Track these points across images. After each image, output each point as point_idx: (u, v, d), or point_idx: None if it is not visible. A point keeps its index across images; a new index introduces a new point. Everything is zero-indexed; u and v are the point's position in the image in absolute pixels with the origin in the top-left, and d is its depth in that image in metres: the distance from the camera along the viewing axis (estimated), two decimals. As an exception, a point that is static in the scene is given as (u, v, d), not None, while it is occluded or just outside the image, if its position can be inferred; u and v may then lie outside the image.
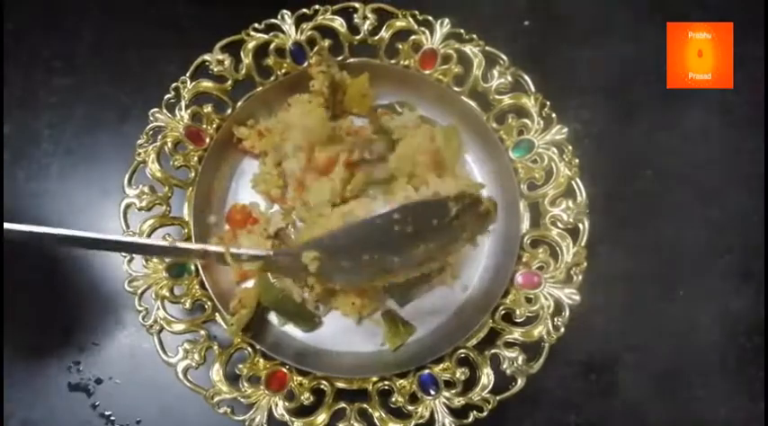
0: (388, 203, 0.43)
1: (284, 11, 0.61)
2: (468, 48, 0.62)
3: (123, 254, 0.54)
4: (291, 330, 0.59)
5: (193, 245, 0.52)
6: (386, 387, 0.54)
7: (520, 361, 0.53)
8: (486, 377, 0.53)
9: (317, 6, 0.62)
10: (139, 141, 0.57)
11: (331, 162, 0.56)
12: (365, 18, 0.62)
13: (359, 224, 0.44)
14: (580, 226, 0.57)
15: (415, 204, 0.42)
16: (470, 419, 0.51)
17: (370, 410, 0.52)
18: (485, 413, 0.52)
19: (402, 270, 0.48)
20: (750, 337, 0.62)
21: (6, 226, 0.40)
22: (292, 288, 0.57)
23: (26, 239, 0.42)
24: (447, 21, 0.62)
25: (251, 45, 0.60)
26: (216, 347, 0.53)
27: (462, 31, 0.62)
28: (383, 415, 0.52)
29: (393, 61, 0.63)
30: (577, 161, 0.59)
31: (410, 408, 0.52)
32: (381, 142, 0.58)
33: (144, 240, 0.51)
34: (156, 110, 0.58)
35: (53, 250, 0.61)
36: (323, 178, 0.56)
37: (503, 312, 0.56)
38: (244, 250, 0.49)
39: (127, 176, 0.56)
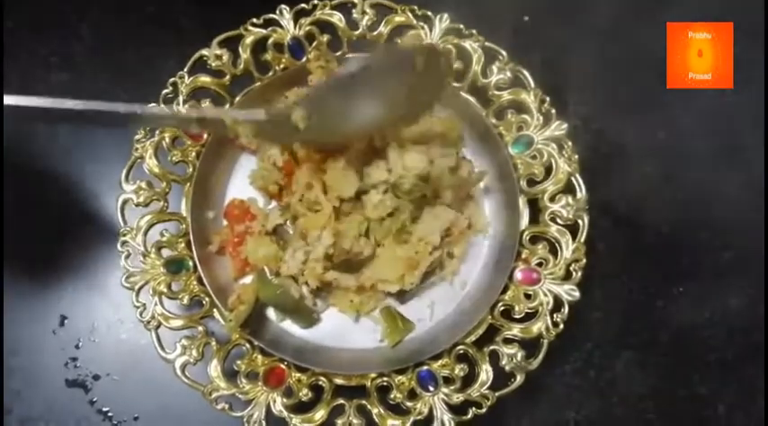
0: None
1: (283, 6, 0.61)
2: (467, 44, 0.62)
3: (120, 250, 0.54)
4: (290, 326, 0.58)
5: (191, 111, 0.52)
6: (384, 384, 0.54)
7: (519, 358, 0.53)
8: (485, 373, 0.53)
9: (315, 1, 0.61)
10: (137, 136, 0.57)
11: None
12: (364, 13, 0.61)
13: (341, 77, 0.47)
14: (579, 222, 0.57)
15: (385, 55, 0.48)
16: (469, 415, 0.51)
17: (368, 406, 0.52)
18: (484, 410, 0.52)
19: (382, 118, 0.51)
20: (749, 335, 0.62)
21: None
22: (290, 284, 0.57)
23: None
24: (446, 16, 0.62)
25: (249, 40, 0.60)
26: (214, 343, 0.53)
27: (462, 26, 0.62)
28: (382, 411, 0.52)
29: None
30: (577, 157, 0.59)
31: (409, 404, 0.52)
32: None
33: (135, 107, 0.46)
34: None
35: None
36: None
37: (502, 308, 0.56)
38: (238, 112, 0.50)
39: (124, 172, 0.56)
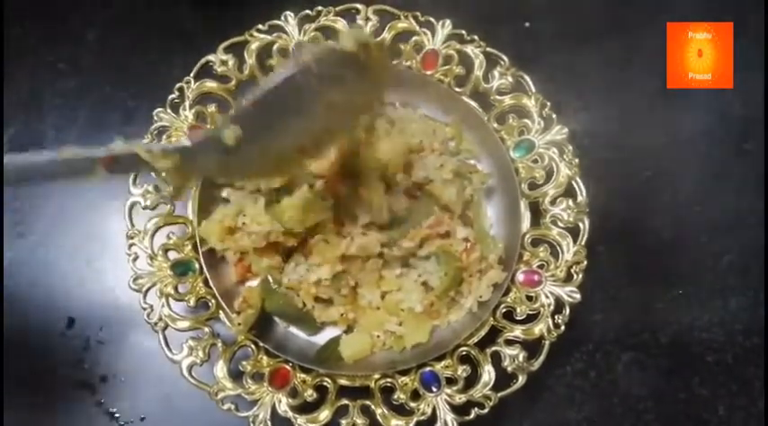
0: None
1: (287, 12, 0.62)
2: (469, 49, 0.62)
3: (128, 253, 0.55)
4: (295, 330, 0.59)
5: (95, 151, 0.40)
6: (388, 384, 0.54)
7: (521, 359, 0.53)
8: (488, 374, 0.53)
9: (320, 8, 0.62)
10: (144, 141, 0.58)
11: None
12: (367, 19, 0.62)
13: (275, 86, 0.41)
14: (580, 225, 0.57)
15: (321, 56, 0.41)
16: (472, 416, 0.52)
17: (372, 407, 0.52)
18: (486, 410, 0.52)
19: (317, 134, 0.46)
20: (749, 336, 0.63)
21: None
22: (294, 294, 0.58)
23: None
24: (448, 22, 0.63)
25: (254, 46, 0.61)
26: (220, 344, 0.54)
27: (464, 32, 0.63)
28: (385, 412, 0.52)
29: (395, 62, 0.64)
30: (578, 161, 0.59)
31: (412, 405, 0.52)
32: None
33: (36, 156, 0.39)
34: (160, 110, 0.59)
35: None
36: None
37: (504, 310, 0.56)
38: (156, 144, 0.45)
39: (132, 176, 0.57)
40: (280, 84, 0.41)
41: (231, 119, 0.42)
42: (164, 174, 0.45)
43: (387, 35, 0.62)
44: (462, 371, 0.54)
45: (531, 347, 0.54)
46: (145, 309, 0.53)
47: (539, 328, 0.54)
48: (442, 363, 0.55)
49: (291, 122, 0.43)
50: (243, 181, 0.53)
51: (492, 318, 0.56)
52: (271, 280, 0.58)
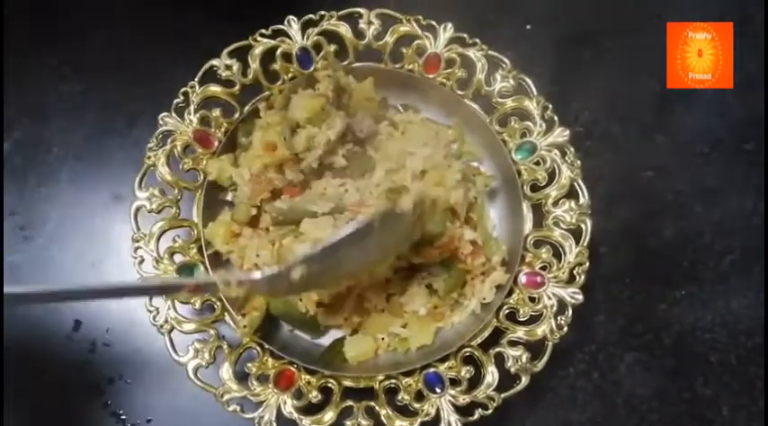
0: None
1: (291, 16, 0.63)
2: (471, 53, 0.63)
3: (134, 256, 0.55)
4: (299, 332, 0.60)
5: (183, 280, 0.54)
6: (392, 386, 0.54)
7: (524, 360, 0.54)
8: (491, 375, 0.53)
9: (322, 12, 0.63)
10: (149, 145, 0.58)
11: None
12: (370, 23, 0.63)
13: (341, 238, 0.48)
14: (582, 226, 0.58)
15: (384, 213, 0.50)
16: (475, 416, 0.52)
17: (377, 408, 0.53)
18: (490, 411, 0.52)
19: (373, 265, 0.55)
20: (750, 336, 0.63)
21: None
22: (296, 300, 0.58)
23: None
24: (450, 25, 0.63)
25: (258, 50, 0.61)
26: (225, 346, 0.54)
27: (465, 35, 0.63)
28: (390, 413, 0.52)
29: (398, 65, 0.64)
30: (579, 162, 0.60)
31: (416, 406, 0.53)
32: (369, 119, 0.60)
33: (129, 283, 0.51)
34: (165, 114, 0.59)
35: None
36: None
37: (507, 311, 0.57)
38: (233, 276, 0.50)
39: (137, 179, 0.57)
40: (345, 237, 0.48)
41: (300, 260, 0.49)
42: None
43: (389, 39, 0.63)
44: (466, 372, 0.54)
45: (534, 348, 0.54)
46: (151, 312, 0.54)
47: (542, 329, 0.55)
48: (446, 364, 0.55)
49: (348, 261, 0.51)
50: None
51: (495, 320, 0.56)
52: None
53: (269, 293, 0.54)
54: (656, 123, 0.71)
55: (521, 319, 0.56)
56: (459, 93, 0.63)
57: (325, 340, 0.59)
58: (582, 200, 0.59)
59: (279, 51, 0.62)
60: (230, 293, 0.49)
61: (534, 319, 0.55)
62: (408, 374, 0.55)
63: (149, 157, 0.58)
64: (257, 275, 0.49)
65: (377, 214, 0.49)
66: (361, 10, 0.63)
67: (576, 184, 0.59)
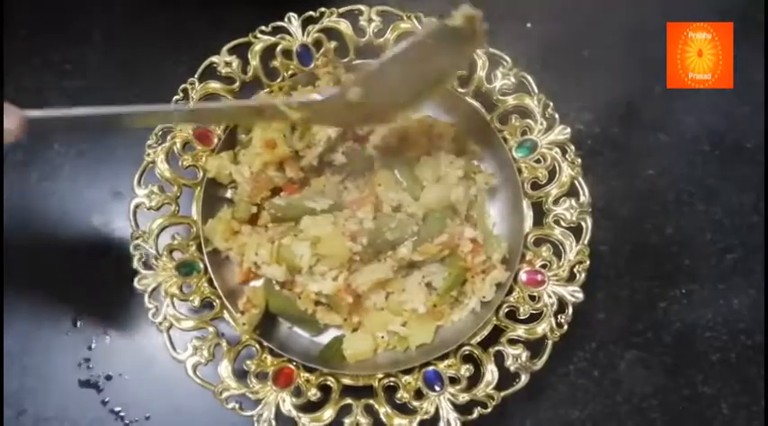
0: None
1: (291, 13, 0.62)
2: (472, 50, 0.63)
3: (133, 253, 0.55)
4: (298, 329, 0.60)
5: (246, 101, 0.55)
6: (391, 384, 0.54)
7: (524, 358, 0.54)
8: (491, 373, 0.53)
9: (323, 9, 0.63)
10: (149, 142, 0.58)
11: None
12: (371, 20, 0.63)
13: (396, 54, 0.49)
14: (583, 224, 0.58)
15: (438, 28, 0.49)
16: (475, 415, 0.52)
17: (376, 406, 0.53)
18: (489, 409, 0.52)
19: (421, 89, 0.54)
20: (751, 335, 0.63)
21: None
22: (295, 298, 0.58)
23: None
24: (451, 23, 0.63)
25: (258, 47, 0.61)
26: (224, 344, 0.54)
27: (466, 32, 0.63)
28: (389, 411, 0.52)
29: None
30: (580, 160, 0.59)
31: (415, 404, 0.53)
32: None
33: (193, 105, 0.53)
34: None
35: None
36: None
37: (507, 309, 0.56)
38: (292, 99, 0.51)
39: (137, 176, 0.57)
40: (398, 54, 0.48)
41: (355, 80, 0.50)
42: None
43: (390, 36, 0.63)
44: (465, 370, 0.54)
45: (534, 346, 0.54)
46: (150, 309, 0.54)
47: (542, 328, 0.55)
48: (446, 362, 0.55)
49: (404, 83, 0.51)
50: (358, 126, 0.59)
51: (495, 318, 0.56)
52: (274, 283, 0.58)
53: (328, 120, 0.55)
54: (656, 122, 0.71)
55: (521, 317, 0.56)
56: (460, 90, 0.63)
57: (325, 337, 0.59)
58: (582, 198, 0.59)
59: (279, 48, 0.62)
60: (292, 115, 0.50)
61: (534, 317, 0.55)
62: (408, 372, 0.55)
63: (149, 154, 0.58)
64: (317, 96, 0.50)
65: (430, 30, 0.49)
66: (362, 7, 0.63)
67: (576, 182, 0.59)
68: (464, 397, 0.52)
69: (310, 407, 0.52)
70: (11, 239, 0.62)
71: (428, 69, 0.52)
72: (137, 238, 0.56)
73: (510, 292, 0.57)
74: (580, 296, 0.55)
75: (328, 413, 0.52)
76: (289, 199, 0.58)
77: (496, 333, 0.56)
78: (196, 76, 0.60)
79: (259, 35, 0.62)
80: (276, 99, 0.52)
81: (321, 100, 0.50)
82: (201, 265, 0.57)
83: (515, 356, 0.54)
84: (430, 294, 0.58)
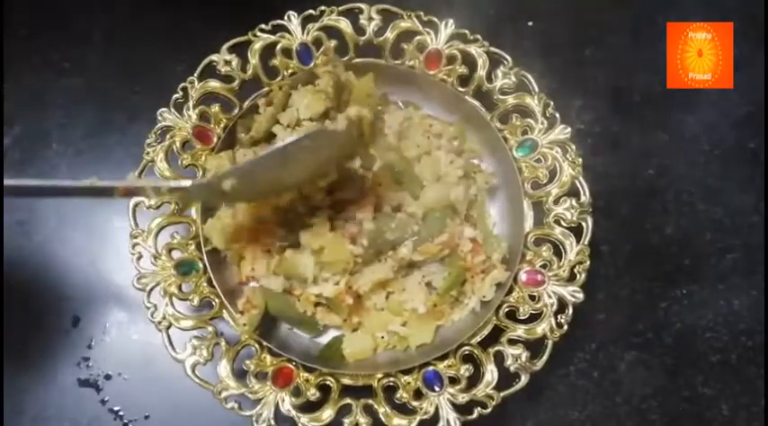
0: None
1: (291, 12, 0.62)
2: (472, 49, 0.63)
3: (132, 252, 0.55)
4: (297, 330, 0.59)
5: (115, 183, 0.51)
6: (391, 384, 0.54)
7: (523, 358, 0.53)
8: (490, 373, 0.53)
9: (323, 7, 0.62)
10: (148, 141, 0.58)
11: None
12: (370, 19, 0.63)
13: (273, 151, 0.49)
14: (583, 224, 0.57)
15: (317, 132, 0.50)
16: (474, 415, 0.52)
17: (375, 406, 0.52)
18: (489, 410, 0.52)
19: (303, 180, 0.55)
20: (752, 336, 0.63)
21: None
22: (294, 300, 0.58)
23: None
24: (451, 21, 0.63)
25: (258, 45, 0.61)
26: (223, 343, 0.54)
27: (467, 31, 0.63)
28: (388, 411, 0.52)
29: (398, 61, 0.64)
30: (581, 160, 0.59)
31: (415, 404, 0.52)
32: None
33: (63, 182, 0.50)
34: (164, 110, 0.59)
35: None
36: None
37: (507, 309, 0.56)
38: (163, 183, 0.51)
39: (136, 175, 0.57)
40: (273, 152, 0.49)
41: (230, 172, 0.50)
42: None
43: (390, 34, 0.62)
44: (465, 370, 0.54)
45: (534, 346, 0.54)
46: (149, 308, 0.54)
47: (541, 328, 0.54)
48: (445, 362, 0.55)
49: (280, 176, 0.52)
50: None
51: (495, 318, 0.56)
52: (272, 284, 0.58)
53: (203, 201, 0.57)
54: (657, 121, 0.71)
55: (521, 317, 0.56)
56: (461, 89, 0.63)
57: (324, 337, 0.59)
58: (583, 198, 0.58)
59: (279, 47, 0.62)
60: (163, 198, 0.51)
61: (534, 317, 0.55)
62: (407, 372, 0.55)
63: (148, 153, 0.58)
64: (187, 183, 0.50)
65: (307, 134, 0.49)
66: (362, 5, 0.63)
67: (577, 182, 0.59)
68: (464, 397, 0.52)
69: (309, 407, 0.52)
70: (10, 238, 0.62)
71: (314, 161, 0.52)
72: (136, 237, 0.55)
73: (510, 292, 0.57)
74: (580, 296, 0.55)
75: (328, 413, 0.52)
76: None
77: (496, 333, 0.55)
78: (196, 75, 0.60)
79: (259, 33, 0.62)
80: (145, 181, 0.53)
81: (189, 187, 0.50)
82: (201, 264, 0.57)
83: (515, 356, 0.54)
84: (430, 294, 0.58)
